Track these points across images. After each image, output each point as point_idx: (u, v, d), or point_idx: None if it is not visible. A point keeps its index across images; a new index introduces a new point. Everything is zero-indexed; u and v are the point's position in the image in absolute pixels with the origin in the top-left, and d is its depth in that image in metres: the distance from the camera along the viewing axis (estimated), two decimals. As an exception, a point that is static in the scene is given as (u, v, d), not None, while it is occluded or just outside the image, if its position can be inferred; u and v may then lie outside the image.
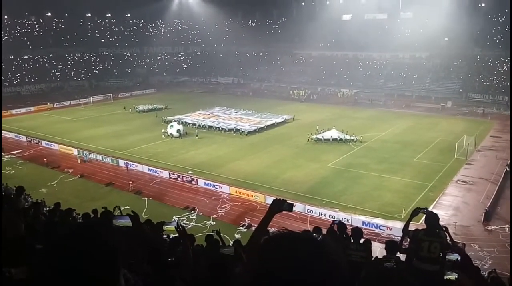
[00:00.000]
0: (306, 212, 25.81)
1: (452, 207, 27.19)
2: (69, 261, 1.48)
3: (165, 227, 5.51)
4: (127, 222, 4.91)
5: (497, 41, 70.74)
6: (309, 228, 19.34)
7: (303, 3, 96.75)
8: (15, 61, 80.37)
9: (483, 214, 24.99)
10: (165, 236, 11.73)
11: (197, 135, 45.13)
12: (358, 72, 78.12)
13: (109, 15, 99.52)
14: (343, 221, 23.64)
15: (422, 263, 7.23)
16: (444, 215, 25.91)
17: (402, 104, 62.84)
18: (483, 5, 77.00)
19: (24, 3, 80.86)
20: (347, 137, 42.64)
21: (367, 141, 42.43)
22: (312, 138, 42.75)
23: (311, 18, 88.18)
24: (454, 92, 66.02)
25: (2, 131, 47.54)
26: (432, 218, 7.83)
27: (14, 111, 59.86)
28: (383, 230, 23.83)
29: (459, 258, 6.57)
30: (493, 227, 24.09)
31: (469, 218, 25.49)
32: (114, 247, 1.62)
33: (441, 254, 7.08)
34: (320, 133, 43.90)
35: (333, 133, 43.41)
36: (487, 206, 25.79)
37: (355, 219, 24.53)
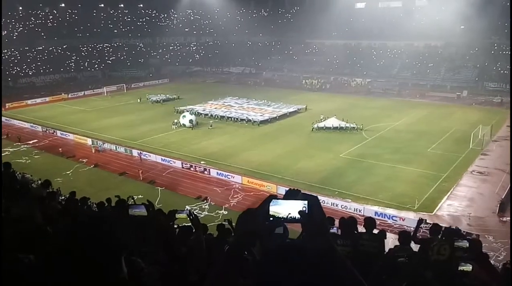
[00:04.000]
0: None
1: (466, 198, 26.88)
2: (72, 249, 1.58)
3: (177, 215, 5.55)
4: (142, 211, 4.97)
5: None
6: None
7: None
8: (30, 52, 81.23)
9: (498, 205, 24.66)
10: (175, 225, 11.85)
11: (211, 126, 45.25)
12: (371, 61, 77.05)
13: (122, 5, 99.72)
14: (355, 211, 23.74)
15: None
16: (458, 206, 25.74)
17: (416, 94, 61.98)
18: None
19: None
20: (348, 125, 42.68)
21: (381, 131, 42.07)
22: (315, 127, 42.95)
23: (324, 7, 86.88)
24: (470, 81, 64.79)
25: (18, 121, 48.47)
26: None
27: (29, 102, 60.77)
28: (396, 220, 23.71)
29: (467, 245, 6.61)
30: (508, 218, 23.74)
31: (484, 209, 25.19)
32: (115, 238, 1.71)
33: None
34: (321, 121, 43.82)
35: (333, 122, 43.53)
36: (502, 197, 25.44)
37: (367, 210, 24.45)
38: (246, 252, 1.96)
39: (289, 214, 1.81)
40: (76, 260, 1.59)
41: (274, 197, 1.87)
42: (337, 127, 42.80)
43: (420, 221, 9.87)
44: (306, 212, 1.80)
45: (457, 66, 69.19)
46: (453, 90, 62.18)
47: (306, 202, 1.81)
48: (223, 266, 1.78)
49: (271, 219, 1.84)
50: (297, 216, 1.81)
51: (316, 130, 42.74)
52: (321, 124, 43.51)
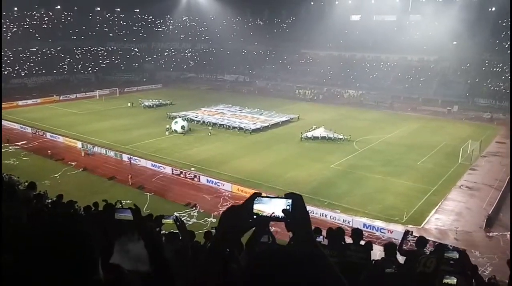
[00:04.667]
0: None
1: (454, 212, 27.06)
2: (43, 251, 1.58)
3: (164, 221, 5.48)
4: (128, 215, 4.91)
5: (506, 46, 70.05)
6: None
7: (312, 3, 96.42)
8: (23, 53, 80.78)
9: (485, 220, 24.83)
10: (162, 231, 11.75)
11: (210, 132, 45.20)
12: (365, 74, 77.73)
13: (118, 9, 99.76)
14: (344, 222, 23.76)
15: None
16: (446, 220, 25.87)
17: (408, 107, 62.56)
18: (493, 9, 76.37)
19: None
20: (336, 136, 42.95)
21: (372, 143, 42.32)
22: (303, 137, 43.20)
23: (319, 18, 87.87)
24: (461, 96, 65.56)
25: (8, 122, 47.94)
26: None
27: (20, 103, 60.23)
28: (384, 233, 23.74)
29: (457, 256, 6.74)
30: (494, 233, 23.93)
31: (471, 224, 25.35)
32: (88, 240, 1.70)
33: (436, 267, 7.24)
34: (309, 131, 44.13)
35: (321, 132, 43.78)
36: (489, 212, 25.64)
37: (356, 221, 24.46)
38: (228, 250, 1.95)
39: (273, 212, 1.80)
40: (45, 259, 1.58)
41: (258, 194, 1.85)
42: (325, 137, 43.10)
43: (407, 232, 9.95)
44: (290, 210, 1.77)
45: (449, 81, 70.04)
46: (444, 105, 62.86)
47: (290, 200, 1.79)
48: (205, 263, 1.77)
49: (254, 217, 1.82)
50: (281, 214, 1.79)
51: (304, 140, 42.94)
52: (309, 134, 43.76)
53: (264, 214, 1.81)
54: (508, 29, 71.70)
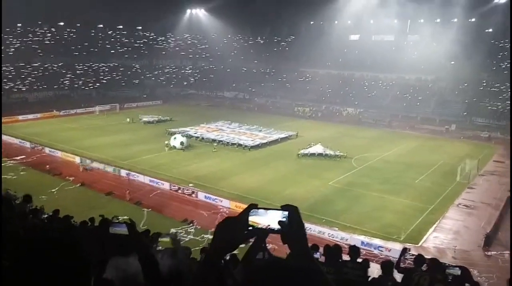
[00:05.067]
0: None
1: (452, 231, 26.95)
2: (37, 267, 1.60)
3: (160, 239, 5.48)
4: (123, 230, 4.93)
5: (503, 66, 70.93)
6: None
7: (311, 22, 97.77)
8: (25, 68, 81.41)
9: (484, 239, 24.73)
10: (159, 247, 11.71)
11: (214, 149, 45.31)
12: (363, 92, 78.38)
13: (121, 26, 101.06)
14: (342, 240, 23.64)
15: None
16: (444, 238, 25.76)
17: (406, 126, 62.86)
18: (490, 30, 77.54)
19: (39, 12, 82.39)
20: (332, 153, 43.11)
21: (370, 161, 42.38)
22: (300, 154, 43.38)
23: (319, 37, 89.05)
24: (458, 115, 65.98)
25: (7, 136, 48.03)
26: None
27: (20, 117, 60.43)
28: (382, 251, 23.60)
29: (459, 273, 6.76)
30: (493, 252, 23.81)
31: (469, 243, 25.23)
32: (82, 254, 1.72)
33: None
34: (307, 148, 44.30)
35: (318, 149, 43.93)
36: (488, 231, 25.55)
37: (354, 239, 24.32)
38: (223, 261, 1.94)
39: (269, 225, 1.79)
40: (39, 272, 1.61)
41: (254, 206, 1.84)
42: (322, 154, 43.21)
43: (404, 250, 9.94)
44: (286, 222, 1.76)
45: (447, 101, 70.59)
46: (442, 124, 63.17)
47: (286, 212, 1.78)
48: (199, 275, 1.77)
49: (250, 228, 1.80)
50: (276, 226, 1.77)
51: (302, 157, 43.05)
52: (306, 151, 43.92)
53: (260, 226, 1.80)
54: (504, 49, 72.83)
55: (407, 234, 25.73)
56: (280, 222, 1.77)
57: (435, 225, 27.48)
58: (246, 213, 1.81)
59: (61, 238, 1.78)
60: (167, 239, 5.17)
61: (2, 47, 79.27)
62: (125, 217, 20.57)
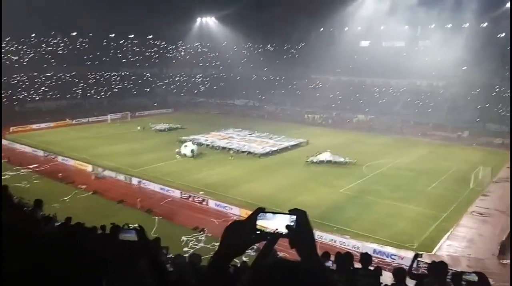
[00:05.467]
0: (316, 237, 25.02)
1: (466, 239, 26.50)
2: (48, 265, 1.61)
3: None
4: (132, 236, 4.94)
5: (516, 72, 70.02)
6: (319, 254, 19.02)
7: (321, 29, 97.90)
8: (38, 78, 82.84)
9: (499, 247, 24.26)
10: (169, 255, 11.75)
11: (231, 157, 45.43)
12: (374, 99, 77.97)
13: (132, 36, 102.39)
14: (353, 248, 23.41)
15: None
16: (458, 247, 25.36)
17: (418, 132, 62.25)
18: (502, 35, 76.75)
19: (52, 23, 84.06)
20: (341, 160, 42.85)
21: (382, 168, 42.03)
22: (309, 161, 43.21)
23: (329, 44, 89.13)
24: (471, 121, 65.14)
25: (21, 145, 48.78)
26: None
27: (34, 126, 61.40)
28: (395, 259, 23.30)
29: (476, 279, 6.69)
30: (508, 261, 23.29)
31: (484, 251, 24.77)
32: (94, 256, 1.73)
33: None
34: (316, 155, 44.19)
35: (327, 156, 43.75)
36: (503, 239, 25.06)
37: (366, 247, 24.05)
38: (230, 265, 1.92)
39: (277, 229, 1.78)
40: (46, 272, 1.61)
41: (262, 210, 1.83)
42: (331, 161, 43.01)
43: (416, 255, 9.83)
44: (294, 227, 1.75)
45: (459, 106, 69.77)
46: (454, 130, 62.40)
47: (294, 217, 1.77)
48: (207, 278, 1.77)
49: (258, 232, 1.79)
50: (285, 231, 1.76)
51: (310, 164, 42.89)
52: (315, 158, 43.76)
53: (268, 230, 1.79)
54: (517, 54, 71.94)
55: (420, 242, 25.37)
56: (288, 226, 1.75)
57: (448, 233, 27.05)
58: (253, 217, 1.80)
59: (70, 242, 1.78)
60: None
61: (16, 58, 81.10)
62: (136, 225, 20.70)
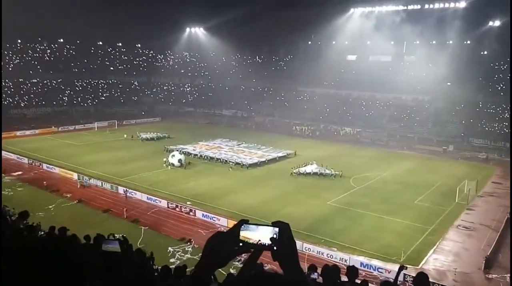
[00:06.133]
0: (304, 249, 25.39)
1: (452, 253, 26.74)
2: (30, 273, 1.59)
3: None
4: (115, 247, 4.84)
5: (499, 88, 71.74)
6: (305, 266, 18.94)
7: (309, 42, 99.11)
8: (24, 84, 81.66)
9: (484, 261, 24.51)
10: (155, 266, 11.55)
11: (230, 168, 45.25)
12: (361, 112, 78.84)
13: (120, 44, 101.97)
14: (341, 261, 23.40)
15: None
16: (444, 261, 25.55)
17: (404, 146, 63.02)
18: (485, 52, 78.76)
19: (39, 29, 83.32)
20: (327, 172, 43.29)
21: (369, 181, 42.32)
22: (294, 172, 43.37)
23: (316, 57, 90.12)
24: (456, 136, 66.28)
25: (5, 152, 47.80)
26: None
27: (18, 133, 60.36)
28: (382, 272, 23.36)
29: None
30: (494, 275, 23.57)
31: (470, 265, 25.00)
32: (76, 264, 1.71)
33: None
34: (301, 167, 44.39)
35: (313, 168, 44.15)
36: (488, 253, 25.34)
37: (353, 260, 24.09)
38: (212, 276, 1.90)
39: (259, 240, 1.78)
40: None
41: (245, 221, 1.83)
42: (317, 173, 43.21)
43: (401, 268, 9.84)
44: (277, 239, 1.76)
45: (444, 121, 71.01)
46: (439, 144, 63.38)
47: (277, 229, 1.78)
48: None
49: (240, 244, 1.79)
50: (267, 242, 1.77)
51: (297, 175, 43.06)
52: (302, 170, 43.95)
53: (251, 241, 1.79)
54: (499, 71, 73.84)
55: (406, 255, 25.50)
56: (271, 238, 1.76)
57: (435, 247, 27.27)
58: (237, 228, 1.79)
59: (52, 248, 1.76)
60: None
61: (2, 64, 79.87)
62: (122, 235, 20.35)
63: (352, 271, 8.90)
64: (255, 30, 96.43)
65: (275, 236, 1.77)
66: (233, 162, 47.14)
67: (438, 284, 21.30)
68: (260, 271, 1.54)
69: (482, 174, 47.19)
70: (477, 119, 68.77)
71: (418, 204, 35.94)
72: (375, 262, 24.48)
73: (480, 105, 71.82)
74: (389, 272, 22.87)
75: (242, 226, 1.81)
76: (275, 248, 1.75)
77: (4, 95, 75.48)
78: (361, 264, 23.95)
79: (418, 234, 29.18)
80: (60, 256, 1.69)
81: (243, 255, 1.95)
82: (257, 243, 1.77)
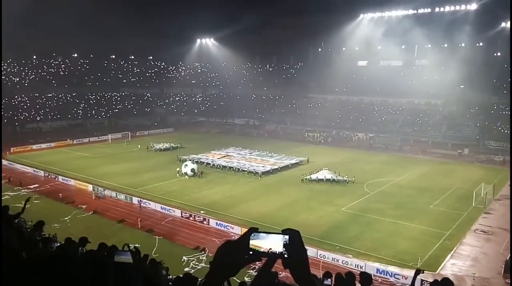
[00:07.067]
0: (318, 256, 25.20)
1: (470, 257, 26.22)
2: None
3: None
4: (128, 258, 4.89)
5: (514, 90, 70.57)
6: (321, 273, 18.79)
7: (319, 49, 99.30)
8: (39, 99, 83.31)
9: (503, 266, 23.97)
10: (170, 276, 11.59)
11: (260, 177, 45.34)
12: (373, 117, 78.35)
13: (132, 57, 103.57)
14: (356, 267, 23.13)
15: None
16: (462, 266, 25.07)
17: (418, 150, 62.31)
18: (499, 54, 77.68)
19: (54, 45, 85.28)
20: (340, 178, 43.05)
21: (383, 186, 41.90)
22: (306, 179, 43.17)
23: (327, 64, 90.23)
24: (471, 139, 65.33)
25: (22, 165, 48.67)
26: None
27: (34, 147, 61.40)
28: (398, 279, 23.00)
29: None
30: (514, 280, 23.02)
31: (489, 270, 24.46)
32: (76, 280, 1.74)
33: None
34: (314, 174, 44.19)
35: (325, 174, 43.94)
36: (507, 258, 24.77)
37: (369, 266, 23.81)
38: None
39: (270, 248, 1.78)
40: None
41: (255, 230, 1.83)
42: (329, 179, 43.00)
43: (418, 272, 9.66)
44: (287, 247, 1.76)
45: (458, 124, 70.10)
46: (454, 148, 62.49)
47: (287, 236, 1.78)
48: None
49: (251, 252, 1.79)
50: (278, 250, 1.76)
51: (309, 182, 42.87)
52: (314, 176, 43.76)
53: (261, 250, 1.80)
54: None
55: (423, 261, 25.06)
56: (284, 245, 1.76)
57: (452, 252, 26.77)
58: (246, 236, 1.80)
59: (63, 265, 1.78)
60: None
61: (18, 79, 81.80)
62: (137, 245, 20.48)
63: (365, 277, 8.80)
64: (265, 38, 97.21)
65: (285, 243, 1.77)
66: (247, 171, 47.13)
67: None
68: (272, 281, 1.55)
69: (499, 176, 46.29)
70: (492, 122, 67.68)
71: (434, 208, 35.41)
72: (392, 268, 24.11)
73: (495, 108, 70.73)
74: (405, 278, 22.51)
75: (252, 235, 1.81)
76: (285, 256, 1.75)
77: (20, 109, 77.32)
78: (377, 270, 23.66)
79: (435, 239, 28.70)
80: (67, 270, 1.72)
81: (257, 263, 1.96)
82: (268, 251, 1.78)
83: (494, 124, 67.07)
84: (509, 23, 72.66)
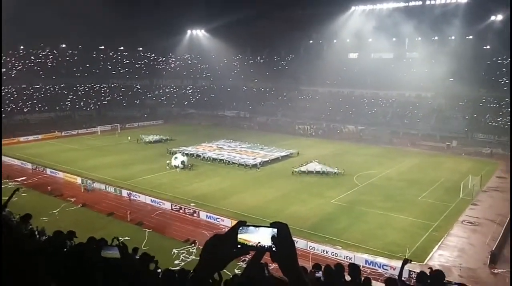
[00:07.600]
0: (308, 248, 25.40)
1: (457, 248, 26.64)
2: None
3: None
4: (115, 253, 4.82)
5: (502, 83, 71.34)
6: (310, 265, 18.87)
7: (310, 41, 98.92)
8: (27, 90, 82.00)
9: (489, 256, 24.38)
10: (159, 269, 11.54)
11: (258, 168, 45.35)
12: (363, 110, 78.66)
13: (122, 48, 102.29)
14: (345, 259, 23.34)
15: None
16: (449, 256, 25.44)
17: (407, 142, 62.80)
18: (488, 47, 78.28)
19: (41, 35, 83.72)
20: (330, 170, 43.23)
21: (372, 178, 42.22)
22: (296, 171, 43.29)
23: (318, 56, 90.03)
24: (459, 131, 65.97)
25: (8, 158, 48.02)
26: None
27: (22, 139, 60.61)
28: (387, 269, 23.28)
29: None
30: (499, 270, 23.44)
31: (475, 260, 24.88)
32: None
33: None
34: (303, 166, 44.30)
35: (315, 166, 44.16)
36: (493, 248, 25.20)
37: (358, 258, 24.06)
38: (211, 280, 1.90)
39: (259, 242, 1.77)
40: None
41: (243, 223, 1.81)
42: (319, 171, 43.20)
43: (405, 261, 9.75)
44: (276, 239, 1.75)
45: (447, 117, 70.72)
46: (443, 140, 63.10)
47: (275, 230, 1.77)
48: None
49: (239, 246, 1.79)
50: (267, 244, 1.75)
51: (299, 174, 43.01)
52: (303, 168, 43.93)
53: (250, 244, 1.79)
54: (502, 66, 73.40)
55: (411, 252, 25.35)
56: (272, 238, 1.75)
57: (439, 243, 27.17)
58: (234, 230, 1.79)
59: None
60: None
61: (4, 70, 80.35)
62: (127, 238, 20.40)
63: (353, 268, 8.85)
64: (256, 30, 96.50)
65: (273, 236, 1.76)
66: (237, 163, 47.14)
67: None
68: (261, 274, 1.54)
69: (486, 168, 46.97)
70: (481, 114, 68.43)
71: (422, 200, 35.82)
72: (380, 260, 24.41)
73: (483, 100, 71.43)
74: (394, 269, 22.77)
75: (241, 228, 1.80)
76: (274, 249, 1.74)
77: (7, 101, 76.03)
78: (366, 261, 23.92)
79: (423, 230, 29.09)
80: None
81: (247, 256, 1.94)
82: (257, 245, 1.77)
83: (482, 117, 67.81)
84: (499, 16, 73.35)
